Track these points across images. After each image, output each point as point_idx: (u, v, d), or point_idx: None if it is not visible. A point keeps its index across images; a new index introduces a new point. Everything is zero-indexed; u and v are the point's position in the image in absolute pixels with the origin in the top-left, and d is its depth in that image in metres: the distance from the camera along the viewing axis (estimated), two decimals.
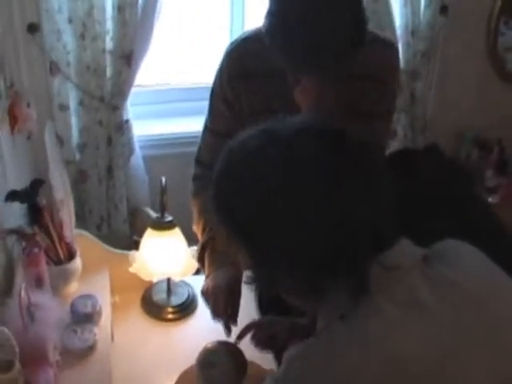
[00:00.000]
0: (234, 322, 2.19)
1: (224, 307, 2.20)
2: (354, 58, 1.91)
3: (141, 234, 2.64)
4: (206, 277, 2.32)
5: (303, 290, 1.42)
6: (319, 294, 1.40)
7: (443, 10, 3.44)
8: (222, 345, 2.06)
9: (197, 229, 2.40)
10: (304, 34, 1.82)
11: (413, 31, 3.41)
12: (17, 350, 1.74)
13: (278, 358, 2.31)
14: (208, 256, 2.33)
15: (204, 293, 2.26)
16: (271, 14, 1.90)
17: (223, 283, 2.21)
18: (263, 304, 2.57)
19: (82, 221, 3.21)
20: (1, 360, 1.74)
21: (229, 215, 1.42)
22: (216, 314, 2.20)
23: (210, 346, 2.06)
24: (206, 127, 2.41)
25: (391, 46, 2.28)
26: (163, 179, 2.43)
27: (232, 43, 2.28)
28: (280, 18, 1.87)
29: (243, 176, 1.38)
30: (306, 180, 1.30)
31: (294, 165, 1.31)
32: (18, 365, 1.75)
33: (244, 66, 2.21)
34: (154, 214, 3.17)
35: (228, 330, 2.17)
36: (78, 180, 3.29)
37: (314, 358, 1.32)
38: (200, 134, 2.76)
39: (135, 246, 2.66)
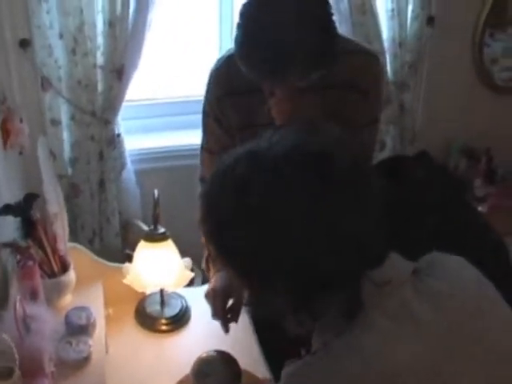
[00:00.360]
0: (234, 321, 2.29)
1: (221, 308, 2.28)
2: (326, 68, 1.94)
3: (133, 247, 2.65)
4: (210, 279, 2.40)
5: (296, 310, 1.41)
6: (312, 313, 1.41)
7: (430, 21, 3.48)
8: (217, 354, 2.07)
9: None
10: (267, 46, 1.85)
11: (400, 43, 3.44)
12: (17, 356, 1.75)
13: (274, 368, 2.33)
14: (212, 260, 2.41)
15: (206, 295, 2.34)
16: (238, 27, 1.93)
17: (222, 285, 2.29)
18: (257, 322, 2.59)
19: (74, 235, 3.22)
20: (1, 367, 1.76)
21: (218, 239, 1.42)
22: (214, 314, 2.29)
23: (204, 355, 2.07)
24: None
25: (374, 57, 2.30)
26: (156, 192, 2.45)
27: (217, 62, 2.32)
28: (245, 31, 1.91)
29: (230, 201, 1.36)
30: (292, 197, 1.29)
31: (280, 187, 1.30)
32: (17, 372, 1.77)
33: (228, 83, 2.25)
34: (145, 227, 3.19)
35: (226, 330, 2.27)
36: (70, 194, 3.30)
37: (312, 375, 1.34)
38: (191, 148, 2.81)
39: (127, 259, 2.67)
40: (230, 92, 2.26)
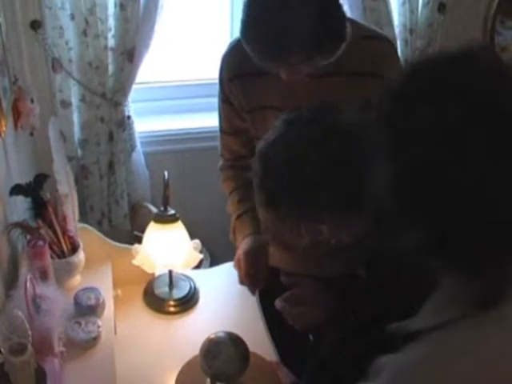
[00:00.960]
0: (259, 285, 2.33)
1: (245, 272, 2.32)
2: (330, 53, 2.01)
3: (141, 229, 2.66)
4: (238, 245, 2.45)
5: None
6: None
7: (441, 7, 3.47)
8: (226, 335, 2.08)
9: (231, 205, 2.54)
10: (269, 27, 1.90)
11: (411, 29, 3.43)
12: (29, 333, 1.77)
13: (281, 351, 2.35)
14: (239, 225, 2.46)
15: (235, 263, 2.40)
16: (243, 8, 1.97)
17: (247, 250, 2.34)
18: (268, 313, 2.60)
19: (83, 216, 3.22)
20: (14, 343, 1.77)
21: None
22: (240, 278, 2.35)
23: (213, 336, 2.08)
24: (219, 127, 2.52)
25: (389, 42, 2.33)
26: (166, 173, 2.45)
27: (228, 46, 2.37)
28: (250, 12, 1.95)
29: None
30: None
31: None
32: (30, 348, 1.78)
33: (238, 65, 2.29)
34: (154, 209, 3.20)
35: (253, 292, 2.36)
36: (80, 176, 3.31)
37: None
38: (200, 131, 2.84)
39: (136, 240, 2.69)
40: (240, 74, 2.30)
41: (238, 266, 2.37)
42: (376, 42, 2.28)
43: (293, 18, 1.88)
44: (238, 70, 2.30)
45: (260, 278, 2.34)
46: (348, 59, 2.17)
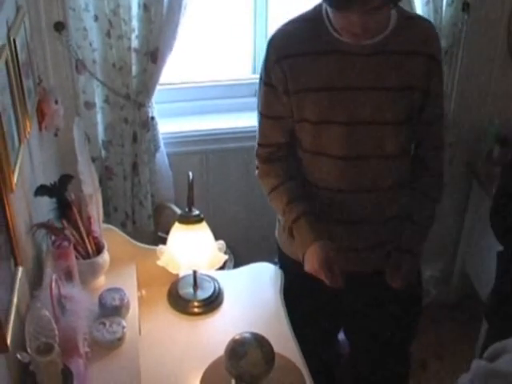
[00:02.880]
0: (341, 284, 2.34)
1: (330, 277, 2.34)
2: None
3: (165, 229, 2.66)
4: (298, 247, 2.44)
5: None
6: None
7: (465, 7, 3.45)
8: (251, 335, 2.07)
9: (276, 201, 2.50)
10: None
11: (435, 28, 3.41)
12: (57, 333, 1.77)
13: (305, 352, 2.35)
14: (298, 230, 2.44)
15: (315, 267, 2.36)
16: None
17: (323, 258, 2.36)
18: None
19: (107, 217, 3.23)
20: (41, 343, 1.77)
21: None
22: (332, 280, 2.33)
23: (238, 337, 2.08)
24: (258, 111, 2.51)
25: (429, 22, 2.50)
26: (190, 174, 2.46)
27: (274, 31, 2.41)
28: None
29: None
30: None
31: None
32: (57, 348, 1.78)
33: (285, 47, 2.34)
34: (178, 210, 3.20)
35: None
36: (104, 177, 3.31)
37: None
38: (223, 132, 2.83)
39: (160, 241, 2.69)
40: (287, 55, 2.33)
41: (317, 272, 2.36)
42: (421, 22, 2.42)
43: None
44: (286, 50, 2.33)
45: (340, 278, 2.34)
46: (395, 38, 2.27)
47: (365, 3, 2.03)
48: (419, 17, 2.50)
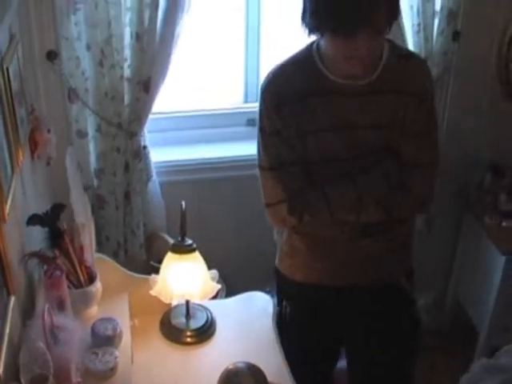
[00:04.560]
0: None
1: None
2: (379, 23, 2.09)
3: (157, 258, 2.65)
4: None
5: None
6: None
7: (455, 35, 3.47)
8: (245, 365, 2.07)
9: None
10: None
11: (426, 57, 3.42)
12: (51, 364, 1.76)
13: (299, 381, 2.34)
14: None
15: None
16: None
17: None
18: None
19: (98, 247, 3.22)
20: (36, 374, 1.76)
21: None
22: None
23: (231, 366, 2.07)
24: (262, 168, 2.43)
25: (423, 61, 2.52)
26: (183, 204, 2.45)
27: (266, 78, 2.38)
28: None
29: None
30: None
31: None
32: (51, 379, 1.77)
33: (282, 93, 2.32)
34: (170, 240, 3.20)
35: None
36: (96, 206, 3.31)
37: None
38: (216, 161, 2.81)
39: (152, 270, 2.68)
40: (285, 101, 2.31)
41: None
42: (415, 61, 2.41)
43: None
44: (283, 96, 2.31)
45: None
46: (387, 77, 2.28)
47: (369, 22, 2.04)
48: (412, 55, 2.48)
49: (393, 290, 2.55)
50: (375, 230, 2.43)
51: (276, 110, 2.31)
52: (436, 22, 3.42)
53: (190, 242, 2.49)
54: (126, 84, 3.10)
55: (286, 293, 2.73)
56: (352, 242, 2.45)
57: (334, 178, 2.36)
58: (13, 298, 1.94)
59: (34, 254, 2.27)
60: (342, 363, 2.94)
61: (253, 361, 2.14)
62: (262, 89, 2.37)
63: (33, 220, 2.30)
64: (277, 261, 2.71)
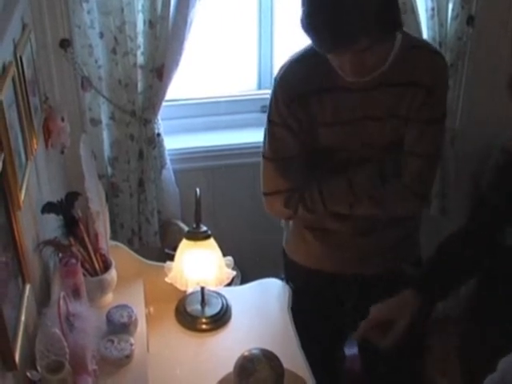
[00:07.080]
0: None
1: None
2: (387, 31, 2.08)
3: (171, 246, 2.64)
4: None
5: None
6: None
7: (470, 20, 3.45)
8: (260, 352, 2.06)
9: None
10: (330, 9, 1.96)
11: (440, 42, 3.40)
12: (67, 350, 1.76)
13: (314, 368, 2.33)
14: None
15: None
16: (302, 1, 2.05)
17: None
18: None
19: (113, 234, 3.22)
20: (51, 361, 1.76)
21: None
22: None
23: (247, 353, 2.07)
24: (265, 158, 2.45)
25: (437, 52, 2.40)
26: (198, 190, 2.45)
27: (280, 69, 2.37)
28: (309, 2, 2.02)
29: None
30: None
31: None
32: (67, 366, 1.77)
33: (295, 87, 2.30)
34: (184, 227, 3.20)
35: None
36: (110, 194, 3.31)
37: None
38: (230, 147, 2.79)
39: (167, 258, 2.68)
40: (296, 98, 2.31)
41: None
42: (426, 52, 2.34)
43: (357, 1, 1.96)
44: (296, 91, 2.30)
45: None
46: (395, 71, 2.23)
47: (349, 46, 2.00)
48: (426, 45, 2.44)
49: (397, 278, 2.54)
50: (379, 224, 2.47)
51: (287, 105, 2.31)
52: (450, 6, 3.39)
53: (204, 228, 2.49)
54: (139, 71, 3.09)
55: (289, 274, 2.78)
56: (356, 235, 2.49)
57: (329, 173, 2.38)
58: (28, 286, 1.94)
59: (49, 242, 2.28)
60: (355, 349, 2.96)
61: (268, 347, 2.13)
62: (274, 83, 2.37)
63: (47, 208, 2.31)
64: (284, 241, 2.75)
